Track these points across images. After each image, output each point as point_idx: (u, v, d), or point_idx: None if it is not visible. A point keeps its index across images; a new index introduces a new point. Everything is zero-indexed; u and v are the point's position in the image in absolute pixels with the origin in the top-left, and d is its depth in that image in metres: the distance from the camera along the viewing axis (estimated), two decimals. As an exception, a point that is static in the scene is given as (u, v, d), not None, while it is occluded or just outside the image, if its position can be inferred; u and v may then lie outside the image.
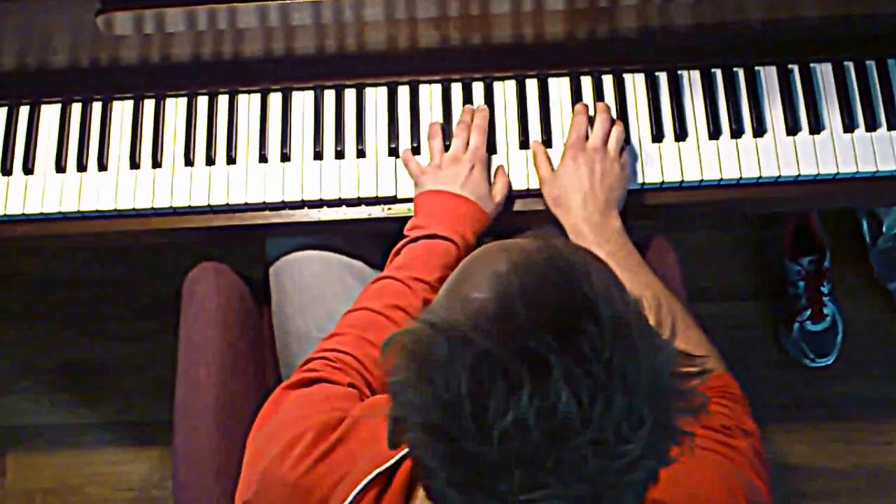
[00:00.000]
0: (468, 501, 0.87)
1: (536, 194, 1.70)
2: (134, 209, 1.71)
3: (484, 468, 0.84)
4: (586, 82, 1.76)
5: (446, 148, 1.69)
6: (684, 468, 1.19)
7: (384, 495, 1.12)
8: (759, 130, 1.72)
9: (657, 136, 1.72)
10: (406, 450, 0.97)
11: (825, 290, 2.40)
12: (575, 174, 1.63)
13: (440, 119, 1.74)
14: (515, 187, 1.70)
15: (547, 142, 1.72)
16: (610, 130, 1.67)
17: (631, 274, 1.54)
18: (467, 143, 1.68)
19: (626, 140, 1.69)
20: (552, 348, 0.82)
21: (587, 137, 1.66)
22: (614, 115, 1.72)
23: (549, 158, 1.69)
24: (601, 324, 0.83)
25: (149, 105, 1.77)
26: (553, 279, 0.87)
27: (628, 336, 0.85)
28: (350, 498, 1.12)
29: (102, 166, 1.73)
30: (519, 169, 1.71)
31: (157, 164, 1.73)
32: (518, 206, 1.71)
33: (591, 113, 1.70)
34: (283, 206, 1.72)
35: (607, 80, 1.76)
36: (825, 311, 2.39)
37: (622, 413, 0.82)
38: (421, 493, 1.03)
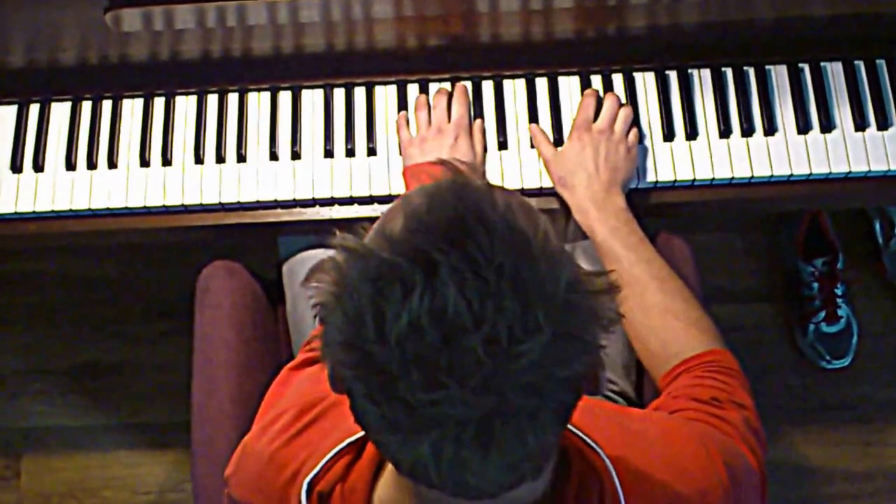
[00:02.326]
0: (381, 414, 0.89)
1: (550, 193, 1.70)
2: (145, 207, 1.72)
3: (386, 372, 0.86)
4: (596, 81, 1.76)
5: None
6: (664, 435, 1.20)
7: (354, 465, 1.13)
8: (770, 129, 1.71)
9: (668, 136, 1.72)
10: None
11: (839, 291, 2.39)
12: (580, 154, 1.64)
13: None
14: (528, 186, 1.71)
15: (559, 140, 1.72)
16: (618, 113, 1.68)
17: (633, 251, 1.55)
18: (449, 112, 1.71)
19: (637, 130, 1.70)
20: (441, 250, 0.85)
21: (595, 120, 1.68)
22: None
23: (548, 139, 1.71)
24: (493, 231, 0.86)
25: (159, 103, 1.77)
26: (455, 197, 0.90)
27: (525, 247, 0.87)
28: (319, 466, 1.14)
29: (113, 164, 1.74)
30: (531, 167, 1.71)
31: (167, 161, 1.74)
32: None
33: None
34: (295, 203, 1.72)
35: (617, 79, 1.76)
36: (839, 312, 2.38)
37: (514, 316, 0.84)
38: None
